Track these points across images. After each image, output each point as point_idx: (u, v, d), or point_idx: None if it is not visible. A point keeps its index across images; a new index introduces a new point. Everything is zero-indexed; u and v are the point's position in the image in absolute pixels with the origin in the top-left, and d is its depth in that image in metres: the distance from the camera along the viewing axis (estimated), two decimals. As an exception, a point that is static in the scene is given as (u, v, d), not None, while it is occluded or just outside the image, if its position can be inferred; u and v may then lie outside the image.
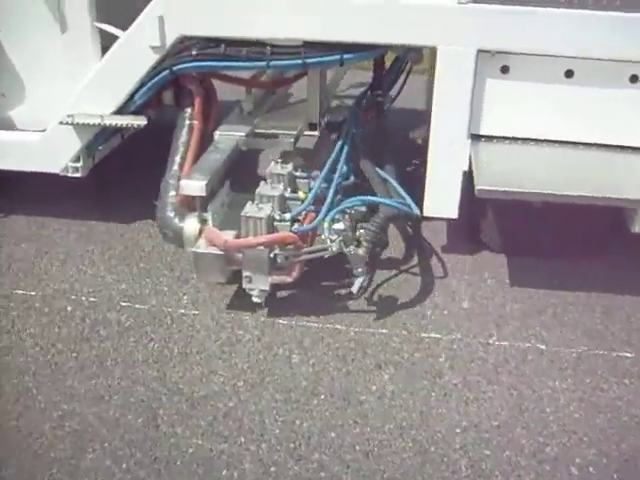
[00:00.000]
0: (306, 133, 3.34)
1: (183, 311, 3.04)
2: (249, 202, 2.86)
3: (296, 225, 2.84)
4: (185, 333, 2.93)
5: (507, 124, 3.07)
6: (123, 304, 3.08)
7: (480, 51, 2.90)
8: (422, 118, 4.52)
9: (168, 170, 3.16)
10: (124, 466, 2.34)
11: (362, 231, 2.83)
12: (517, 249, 3.36)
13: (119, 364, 2.76)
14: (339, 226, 2.81)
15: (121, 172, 3.86)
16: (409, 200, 3.11)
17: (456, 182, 3.12)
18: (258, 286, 2.87)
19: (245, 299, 2.95)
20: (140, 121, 3.25)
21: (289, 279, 2.87)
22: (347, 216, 2.87)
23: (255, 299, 2.92)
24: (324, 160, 3.21)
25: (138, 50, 3.10)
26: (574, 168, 2.97)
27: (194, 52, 3.05)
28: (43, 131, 3.41)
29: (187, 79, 3.22)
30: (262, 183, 2.99)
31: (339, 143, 3.28)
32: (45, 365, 2.76)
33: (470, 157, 3.04)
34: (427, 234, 3.60)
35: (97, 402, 2.59)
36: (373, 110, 3.62)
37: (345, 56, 2.98)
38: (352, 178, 3.21)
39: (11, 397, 2.60)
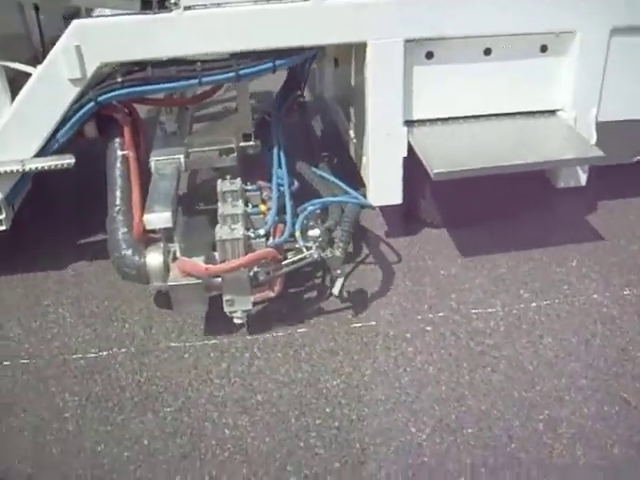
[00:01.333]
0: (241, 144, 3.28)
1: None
2: (217, 225, 2.79)
3: (271, 239, 2.81)
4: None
5: (435, 106, 3.22)
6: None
7: (406, 41, 3.01)
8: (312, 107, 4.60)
9: (111, 206, 3.00)
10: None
11: (337, 233, 2.86)
12: (458, 222, 3.54)
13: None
14: (314, 233, 2.83)
15: (36, 214, 3.60)
16: (356, 194, 3.18)
17: (398, 169, 3.23)
18: (241, 307, 2.83)
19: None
20: (67, 160, 3.05)
21: (272, 294, 2.86)
22: (317, 222, 2.89)
23: (237, 320, 2.87)
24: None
25: (56, 85, 2.90)
26: (507, 138, 3.17)
27: (119, 79, 2.91)
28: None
29: (111, 108, 3.05)
30: (220, 203, 2.92)
31: (275, 151, 3.28)
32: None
33: (409, 143, 3.16)
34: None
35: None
36: (294, 111, 3.63)
37: (277, 62, 2.96)
38: (296, 183, 3.21)
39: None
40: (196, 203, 3.19)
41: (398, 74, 3.05)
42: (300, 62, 3.28)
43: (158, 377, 2.77)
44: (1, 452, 2.48)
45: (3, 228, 3.15)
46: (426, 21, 2.99)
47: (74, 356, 2.89)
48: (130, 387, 2.73)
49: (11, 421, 2.60)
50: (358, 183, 3.37)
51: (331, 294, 2.96)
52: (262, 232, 2.79)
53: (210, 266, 2.72)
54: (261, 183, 3.15)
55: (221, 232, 2.74)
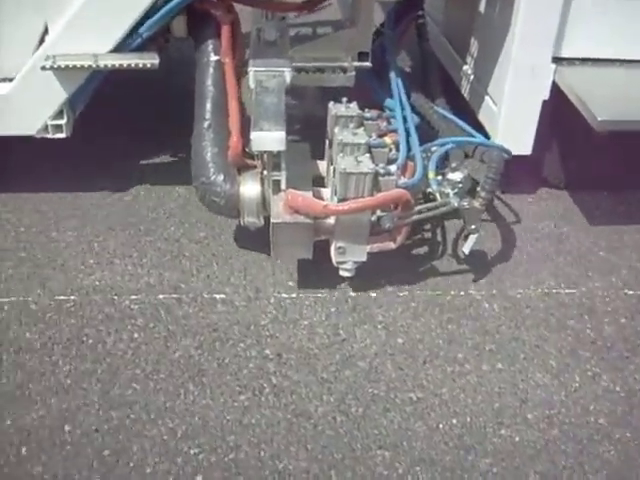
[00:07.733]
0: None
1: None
2: (340, 154, 2.28)
3: (403, 179, 2.30)
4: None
5: (590, 44, 2.69)
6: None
7: (572, -40, 2.49)
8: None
9: (199, 120, 2.48)
10: None
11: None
12: (584, 184, 3.04)
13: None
14: (455, 177, 2.33)
15: (98, 124, 3.07)
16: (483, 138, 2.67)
17: (535, 114, 2.73)
18: (353, 258, 2.34)
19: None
20: (150, 60, 2.51)
21: (393, 245, 2.36)
22: (458, 163, 2.38)
23: (344, 273, 2.39)
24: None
25: (149, -35, 2.36)
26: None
27: (229, -35, 2.37)
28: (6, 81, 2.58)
29: (209, 3, 2.51)
30: (336, 129, 2.40)
31: (392, 76, 2.76)
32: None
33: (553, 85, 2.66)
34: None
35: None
36: (408, 34, 3.10)
37: None
38: (415, 117, 2.70)
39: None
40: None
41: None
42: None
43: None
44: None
45: (62, 136, 2.63)
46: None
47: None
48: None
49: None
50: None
51: (461, 253, 2.48)
52: (393, 169, 2.27)
53: (329, 204, 2.22)
54: (374, 111, 2.63)
55: (345, 163, 2.22)
